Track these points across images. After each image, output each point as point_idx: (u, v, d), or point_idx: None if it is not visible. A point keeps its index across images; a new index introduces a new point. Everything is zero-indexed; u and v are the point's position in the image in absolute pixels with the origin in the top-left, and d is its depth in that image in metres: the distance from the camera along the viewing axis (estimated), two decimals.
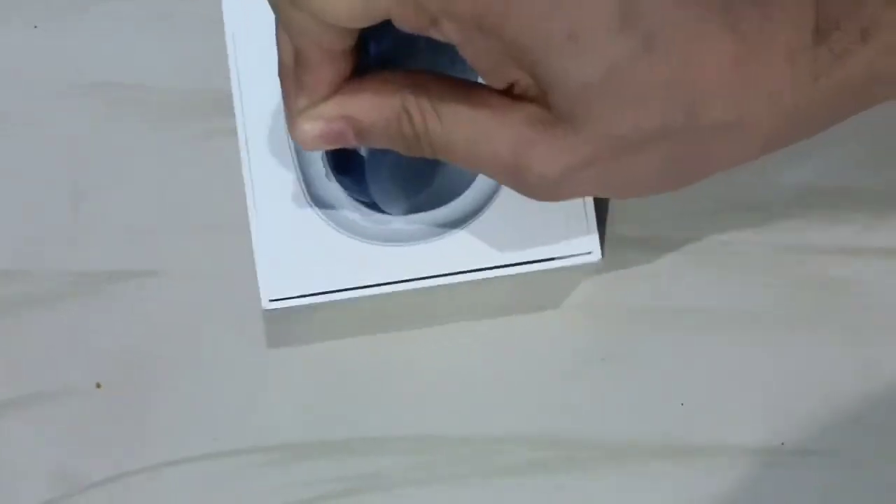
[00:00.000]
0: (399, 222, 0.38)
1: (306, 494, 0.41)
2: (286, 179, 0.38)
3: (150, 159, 0.43)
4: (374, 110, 0.31)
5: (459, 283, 0.39)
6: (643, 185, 0.31)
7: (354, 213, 0.39)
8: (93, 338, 0.42)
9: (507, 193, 0.37)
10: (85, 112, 0.43)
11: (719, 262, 0.40)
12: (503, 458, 0.40)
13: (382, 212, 0.39)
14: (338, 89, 0.31)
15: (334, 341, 0.41)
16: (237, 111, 0.39)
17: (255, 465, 0.41)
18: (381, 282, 0.38)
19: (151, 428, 0.41)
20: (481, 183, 0.38)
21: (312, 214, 0.38)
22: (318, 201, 0.38)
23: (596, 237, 0.37)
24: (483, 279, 0.38)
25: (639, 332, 0.40)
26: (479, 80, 0.32)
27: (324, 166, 0.39)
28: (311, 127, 0.32)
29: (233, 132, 0.42)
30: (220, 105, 0.42)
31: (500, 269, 0.37)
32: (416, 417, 0.41)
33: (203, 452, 0.41)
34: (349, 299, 0.38)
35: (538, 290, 0.40)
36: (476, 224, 0.37)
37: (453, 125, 0.30)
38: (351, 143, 0.32)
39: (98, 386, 0.42)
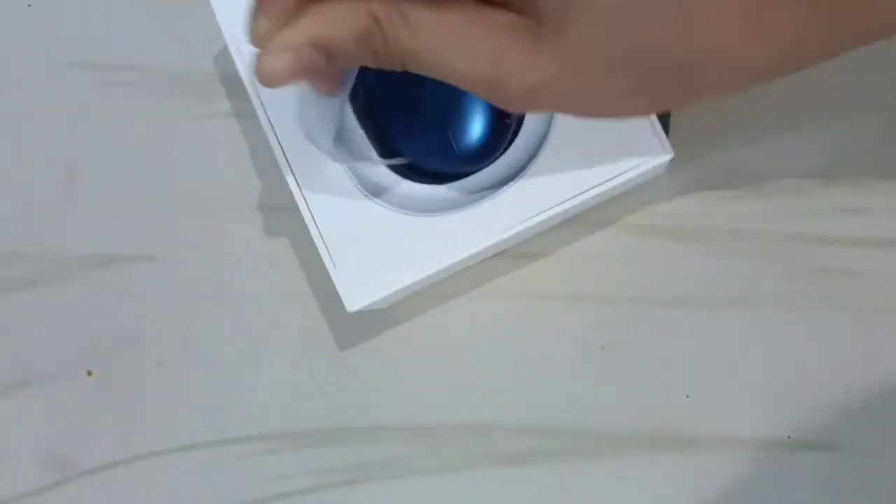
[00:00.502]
0: (455, 189, 0.37)
1: (304, 484, 0.40)
2: (328, 168, 0.36)
3: (143, 140, 0.42)
4: (341, 24, 0.28)
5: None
6: (617, 104, 0.29)
7: (408, 191, 0.37)
8: (84, 323, 0.42)
9: (558, 133, 0.35)
10: (78, 92, 0.42)
11: (727, 252, 0.39)
12: (505, 447, 0.39)
13: (434, 181, 0.37)
14: (299, 4, 0.29)
15: (332, 329, 0.41)
16: (254, 100, 0.37)
17: (250, 454, 0.40)
18: (461, 255, 0.36)
19: (143, 416, 0.41)
20: (529, 129, 0.36)
21: (371, 204, 0.36)
22: (371, 188, 0.37)
23: (664, 137, 0.35)
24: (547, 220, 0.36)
25: (642, 322, 0.39)
26: None
27: (372, 147, 0.37)
28: (278, 61, 0.28)
29: (226, 113, 0.41)
30: (213, 86, 0.42)
31: (580, 198, 0.35)
32: (418, 406, 0.40)
33: (195, 441, 0.41)
34: (425, 278, 0.36)
35: (540, 279, 0.40)
36: (536, 167, 0.35)
37: (426, 32, 0.28)
38: (321, 70, 0.29)
39: (89, 374, 0.41)
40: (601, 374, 0.39)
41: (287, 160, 0.36)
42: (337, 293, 0.36)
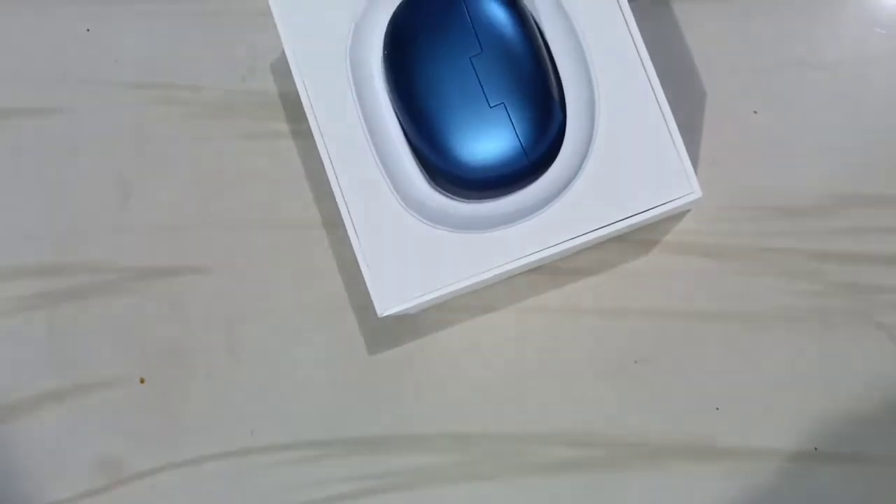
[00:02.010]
0: (493, 206, 0.38)
1: (343, 490, 0.41)
2: (374, 184, 0.38)
3: (194, 157, 0.43)
4: None
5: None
6: None
7: (448, 207, 0.38)
8: (138, 332, 0.43)
9: (594, 163, 0.37)
10: (133, 111, 0.44)
11: (758, 269, 0.40)
12: (539, 456, 0.40)
13: (473, 200, 0.38)
14: None
15: (372, 341, 0.42)
16: (311, 120, 0.38)
17: (292, 460, 0.42)
18: (494, 268, 0.37)
19: (191, 422, 0.42)
20: (568, 154, 0.38)
21: (407, 215, 0.38)
22: (409, 200, 0.38)
23: (693, 176, 0.36)
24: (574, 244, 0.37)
25: (675, 336, 0.40)
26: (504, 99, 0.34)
27: (416, 164, 0.38)
28: None
29: (274, 133, 0.43)
30: (262, 106, 0.43)
31: (605, 230, 0.36)
32: (454, 416, 0.41)
33: (240, 447, 0.42)
34: (455, 291, 0.38)
35: (576, 293, 0.41)
36: (569, 195, 0.37)
37: None
38: None
39: (142, 381, 0.43)
40: (634, 386, 0.40)
41: (335, 171, 0.38)
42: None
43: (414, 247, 0.37)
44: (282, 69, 0.43)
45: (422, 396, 0.41)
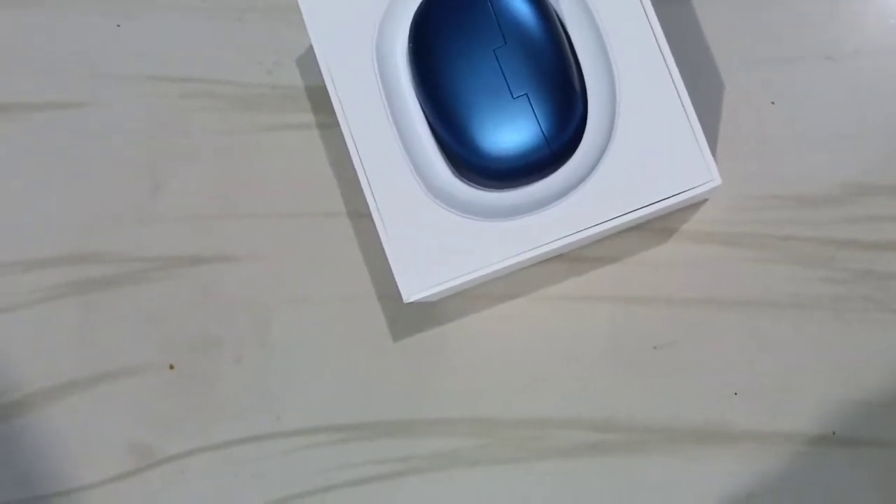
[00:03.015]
0: (515, 195, 0.39)
1: (367, 473, 0.42)
2: (399, 173, 0.39)
3: (223, 149, 0.44)
4: None
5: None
6: None
7: (471, 196, 0.39)
8: (168, 319, 0.44)
9: (614, 152, 0.37)
10: (163, 104, 0.45)
11: (776, 258, 0.40)
12: (560, 441, 0.41)
13: (496, 189, 0.39)
14: None
15: (395, 325, 0.43)
16: (338, 112, 0.39)
17: (318, 444, 0.43)
18: (516, 256, 0.38)
19: (220, 407, 0.43)
20: (589, 144, 0.38)
21: (431, 203, 0.38)
22: (434, 189, 0.39)
23: (713, 164, 0.37)
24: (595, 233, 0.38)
25: (693, 323, 0.41)
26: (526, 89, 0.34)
27: (440, 153, 0.39)
28: None
29: (300, 124, 0.44)
30: (288, 98, 0.44)
31: (626, 217, 0.37)
32: (476, 400, 0.42)
33: (267, 431, 0.43)
34: (478, 278, 0.38)
35: (596, 281, 0.42)
36: (590, 184, 0.37)
37: None
38: None
39: (171, 367, 0.44)
40: (654, 371, 0.41)
41: (362, 162, 0.39)
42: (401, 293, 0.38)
43: (438, 235, 0.38)
44: (307, 63, 0.44)
45: (444, 382, 0.42)
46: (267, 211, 0.44)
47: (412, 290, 0.38)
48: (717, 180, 0.36)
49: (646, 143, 0.37)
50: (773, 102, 0.40)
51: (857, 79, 0.40)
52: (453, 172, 0.39)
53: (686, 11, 0.41)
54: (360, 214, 0.43)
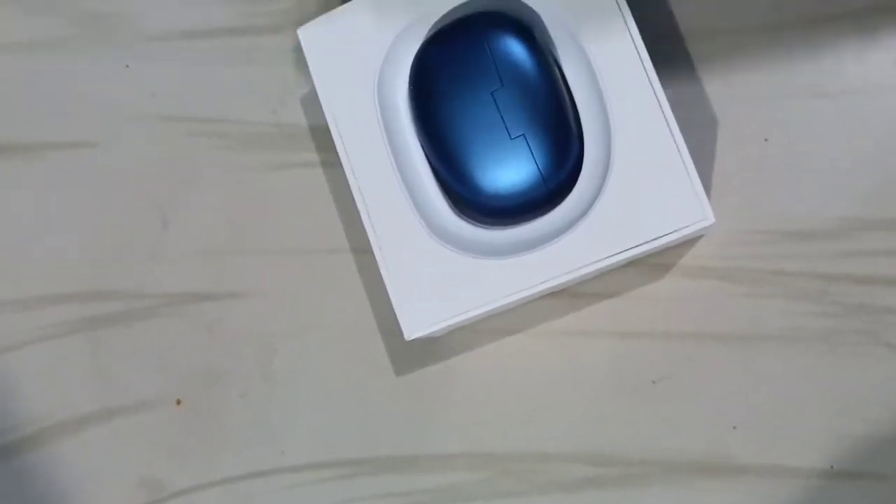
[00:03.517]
0: (514, 233, 0.39)
1: None
2: (400, 212, 0.39)
3: (230, 187, 0.45)
4: None
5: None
6: None
7: (471, 233, 0.40)
8: (175, 355, 0.45)
9: (611, 190, 0.38)
10: (169, 143, 0.46)
11: (770, 292, 0.41)
12: (561, 475, 0.41)
13: (496, 227, 0.40)
14: None
15: (398, 360, 0.43)
16: (341, 153, 0.40)
17: (322, 479, 0.43)
18: (517, 293, 0.38)
19: (227, 442, 0.44)
20: (585, 183, 0.39)
21: (432, 241, 0.39)
22: (435, 227, 0.40)
23: (707, 203, 0.37)
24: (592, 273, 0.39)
25: (690, 357, 0.41)
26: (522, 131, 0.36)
27: (440, 192, 0.40)
28: None
29: (304, 163, 0.44)
30: (293, 137, 0.45)
31: (622, 255, 0.38)
32: (477, 435, 0.42)
33: (273, 466, 0.43)
34: (479, 315, 0.39)
35: (594, 316, 0.42)
36: (587, 222, 0.38)
37: None
38: None
39: (178, 402, 0.44)
40: (652, 405, 0.41)
41: (364, 201, 0.40)
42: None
43: (439, 272, 0.39)
44: (311, 102, 0.45)
45: (446, 415, 0.43)
46: (272, 247, 0.45)
47: (414, 327, 0.39)
48: (711, 219, 0.37)
49: (641, 182, 0.37)
50: (766, 139, 0.41)
51: (848, 115, 0.41)
52: (453, 211, 0.40)
53: (678, 49, 0.42)
54: (362, 250, 0.43)
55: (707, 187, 0.40)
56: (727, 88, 0.41)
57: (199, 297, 0.45)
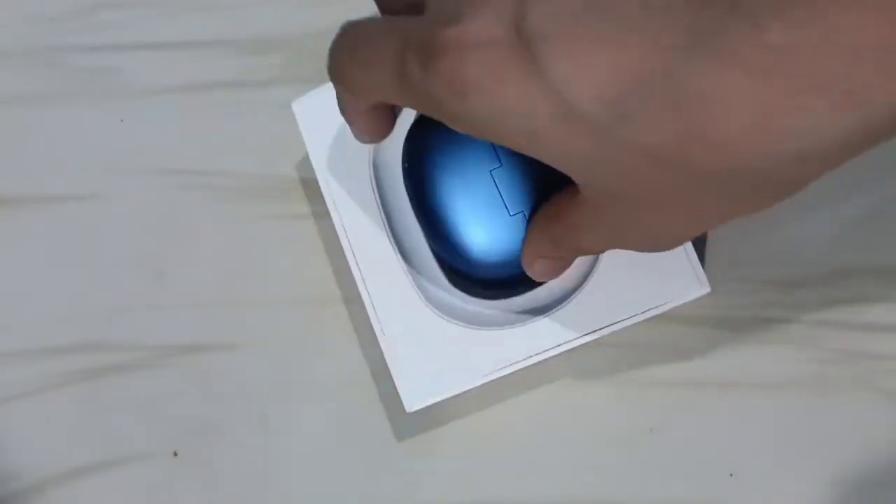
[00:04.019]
0: (512, 304, 0.40)
1: None
2: (398, 284, 0.40)
3: (224, 239, 0.45)
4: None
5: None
6: (657, 240, 0.32)
7: (468, 304, 0.40)
8: (171, 407, 0.45)
9: (607, 261, 0.39)
10: (164, 195, 0.46)
11: (763, 339, 0.41)
12: None
13: (494, 298, 0.40)
14: None
15: (392, 410, 0.43)
16: (337, 225, 0.40)
17: None
18: (516, 363, 0.39)
19: (224, 495, 0.44)
20: (581, 257, 0.39)
21: (430, 313, 0.39)
22: (433, 300, 0.40)
23: (702, 274, 0.38)
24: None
25: (686, 405, 0.41)
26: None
27: (437, 265, 0.40)
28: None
29: (300, 214, 0.45)
30: (288, 189, 0.45)
31: (616, 326, 0.38)
32: (471, 488, 0.42)
33: None
34: (479, 384, 0.39)
35: (588, 363, 0.42)
36: (583, 294, 0.39)
37: None
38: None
39: (175, 454, 0.44)
40: (649, 454, 0.41)
41: (361, 274, 0.40)
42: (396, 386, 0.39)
43: (438, 344, 0.39)
44: (304, 155, 0.45)
45: (440, 467, 0.43)
46: (266, 298, 0.45)
47: (415, 400, 0.39)
48: (707, 288, 0.38)
49: (635, 256, 0.38)
50: None
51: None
52: (451, 283, 0.40)
53: None
54: (356, 300, 0.43)
55: (694, 239, 0.41)
56: None
57: (195, 349, 0.45)
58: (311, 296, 0.44)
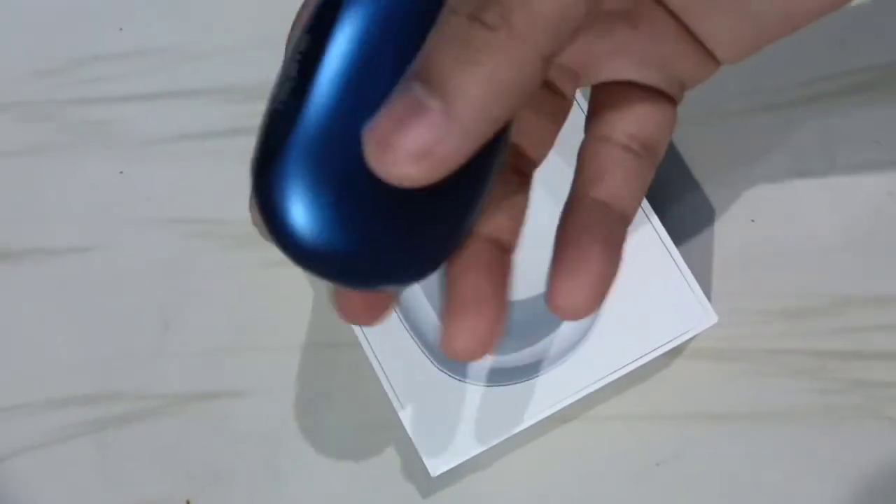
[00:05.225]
0: (520, 358, 0.40)
1: None
2: (405, 347, 0.40)
3: (230, 286, 0.46)
4: None
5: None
6: None
7: (482, 361, 0.40)
8: (182, 454, 0.45)
9: (610, 304, 0.38)
10: (167, 244, 0.46)
11: (766, 370, 0.41)
12: None
13: (502, 352, 0.40)
14: None
15: (404, 454, 0.43)
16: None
17: None
18: (535, 419, 0.39)
19: None
20: None
21: (444, 376, 0.40)
22: (443, 360, 0.40)
23: (708, 306, 0.38)
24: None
25: (693, 438, 0.41)
26: None
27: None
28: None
29: None
30: None
31: (631, 366, 0.38)
32: None
33: None
34: (501, 442, 0.39)
35: (594, 401, 0.42)
36: (590, 340, 0.39)
37: None
38: None
39: (188, 503, 0.44)
40: (657, 488, 0.41)
41: (366, 337, 0.40)
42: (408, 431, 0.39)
43: (455, 406, 0.39)
44: None
45: None
46: (273, 344, 0.45)
47: (439, 464, 0.39)
48: (714, 318, 0.38)
49: (638, 296, 0.38)
50: (752, 220, 0.41)
51: (834, 193, 0.41)
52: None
53: None
54: (361, 344, 0.43)
55: (701, 273, 0.41)
56: (711, 172, 0.42)
57: (204, 396, 0.45)
58: (322, 340, 0.44)
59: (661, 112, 0.26)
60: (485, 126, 0.20)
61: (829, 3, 0.25)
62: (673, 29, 0.26)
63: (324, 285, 0.45)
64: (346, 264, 0.23)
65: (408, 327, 0.40)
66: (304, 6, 0.24)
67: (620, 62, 0.26)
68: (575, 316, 0.25)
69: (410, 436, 0.39)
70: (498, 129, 0.21)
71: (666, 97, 0.27)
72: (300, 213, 0.22)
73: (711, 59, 0.26)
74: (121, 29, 0.48)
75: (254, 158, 0.23)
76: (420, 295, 0.40)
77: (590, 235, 0.25)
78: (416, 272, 0.23)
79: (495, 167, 0.23)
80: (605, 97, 0.26)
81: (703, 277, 0.41)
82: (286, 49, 0.24)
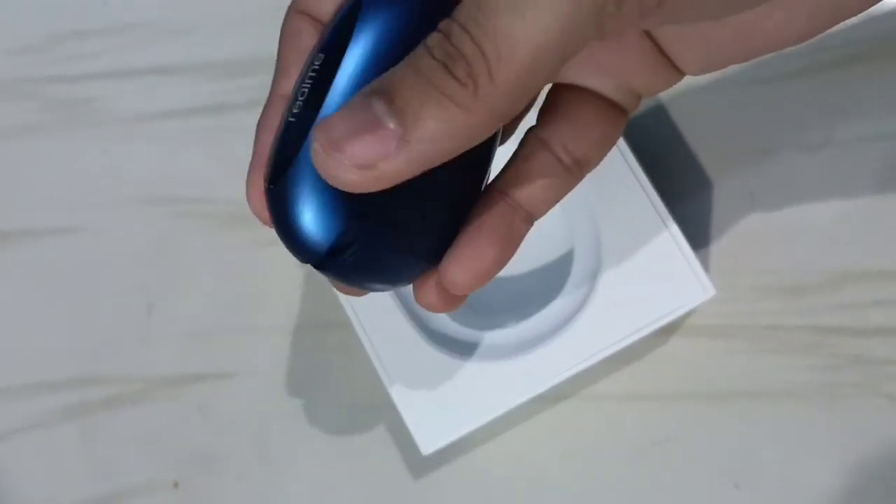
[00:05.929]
0: (515, 333, 0.39)
1: None
2: (397, 322, 0.39)
3: (217, 266, 0.45)
4: None
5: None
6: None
7: (471, 337, 0.40)
8: (169, 438, 0.44)
9: (606, 277, 0.38)
10: (152, 225, 0.46)
11: (767, 348, 0.41)
12: None
13: (495, 327, 0.39)
14: None
15: (396, 435, 0.43)
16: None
17: None
18: (529, 395, 0.38)
19: None
20: (579, 275, 0.39)
21: (435, 352, 0.39)
22: (434, 336, 0.39)
23: (705, 278, 0.37)
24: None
25: (689, 417, 0.41)
26: None
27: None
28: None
29: None
30: None
31: (626, 341, 0.38)
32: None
33: None
34: (494, 419, 0.39)
35: (589, 379, 0.42)
36: (585, 314, 0.38)
37: None
38: None
39: (175, 485, 0.44)
40: (653, 467, 0.41)
41: (355, 312, 0.39)
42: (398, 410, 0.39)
43: (447, 382, 0.39)
44: None
45: (442, 487, 0.42)
46: (261, 325, 0.44)
47: (430, 442, 0.38)
48: (712, 291, 0.37)
49: (635, 268, 0.37)
50: (751, 194, 0.41)
51: (832, 167, 0.41)
52: (451, 317, 0.40)
53: (660, 112, 0.42)
54: (351, 324, 0.43)
55: (699, 248, 0.40)
56: (709, 145, 0.42)
57: (191, 379, 0.44)
58: (311, 321, 0.44)
59: (607, 124, 0.27)
60: (431, 157, 0.22)
61: (793, 38, 0.26)
62: (640, 42, 0.27)
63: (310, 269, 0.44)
64: (353, 268, 0.25)
65: (399, 304, 0.39)
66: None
67: (580, 67, 0.27)
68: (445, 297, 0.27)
69: (401, 413, 0.39)
70: (443, 161, 0.22)
71: (618, 109, 0.27)
72: (310, 219, 0.25)
73: (676, 71, 0.27)
74: (105, 3, 0.47)
75: (267, 167, 0.26)
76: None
77: (491, 233, 0.26)
78: (414, 273, 0.26)
79: (486, 176, 0.26)
80: (558, 99, 0.27)
81: (701, 253, 0.41)
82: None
